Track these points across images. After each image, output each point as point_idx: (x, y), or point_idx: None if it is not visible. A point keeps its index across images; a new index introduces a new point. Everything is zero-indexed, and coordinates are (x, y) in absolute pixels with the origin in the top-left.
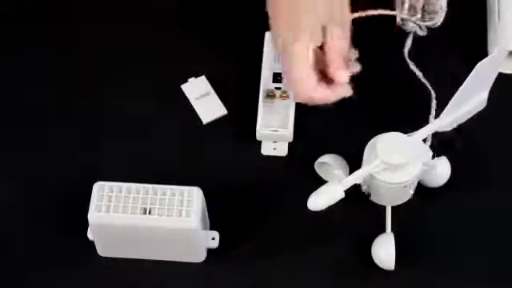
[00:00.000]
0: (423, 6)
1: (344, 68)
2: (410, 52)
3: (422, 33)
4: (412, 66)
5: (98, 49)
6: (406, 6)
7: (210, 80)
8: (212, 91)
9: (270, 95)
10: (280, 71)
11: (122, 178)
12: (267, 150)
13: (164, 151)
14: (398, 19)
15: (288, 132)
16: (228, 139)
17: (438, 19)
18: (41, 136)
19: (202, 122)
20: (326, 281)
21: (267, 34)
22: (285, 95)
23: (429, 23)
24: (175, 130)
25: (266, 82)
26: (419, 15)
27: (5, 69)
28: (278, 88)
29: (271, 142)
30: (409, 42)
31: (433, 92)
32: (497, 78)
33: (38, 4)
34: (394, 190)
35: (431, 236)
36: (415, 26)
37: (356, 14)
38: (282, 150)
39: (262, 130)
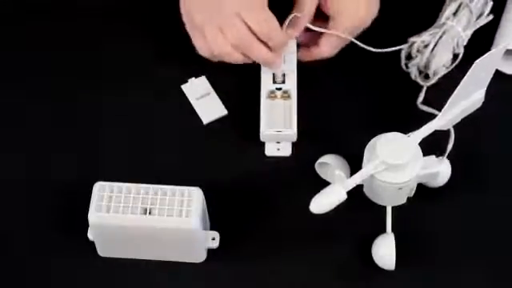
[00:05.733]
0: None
1: None
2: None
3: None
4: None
5: (99, 49)
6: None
7: (210, 80)
8: (212, 91)
9: (271, 96)
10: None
11: (122, 178)
12: (271, 150)
13: (164, 151)
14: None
15: (292, 131)
16: (228, 139)
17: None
18: (41, 136)
19: (202, 122)
20: (326, 281)
21: None
22: (286, 95)
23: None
24: (175, 130)
25: (266, 82)
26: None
27: (5, 69)
28: (279, 89)
29: (275, 143)
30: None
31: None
32: (496, 78)
33: (38, 4)
34: (393, 191)
35: (431, 236)
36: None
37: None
38: (285, 150)
39: (265, 131)
